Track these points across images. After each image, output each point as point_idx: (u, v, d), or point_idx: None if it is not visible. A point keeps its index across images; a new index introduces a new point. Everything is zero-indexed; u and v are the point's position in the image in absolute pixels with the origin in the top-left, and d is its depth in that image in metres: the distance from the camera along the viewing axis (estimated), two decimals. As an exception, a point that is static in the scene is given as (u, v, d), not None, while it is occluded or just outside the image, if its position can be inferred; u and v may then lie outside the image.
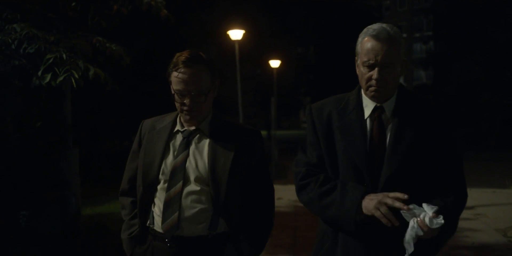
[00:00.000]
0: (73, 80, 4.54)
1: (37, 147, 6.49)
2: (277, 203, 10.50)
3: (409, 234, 2.29)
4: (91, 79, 4.72)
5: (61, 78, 4.56)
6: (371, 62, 2.44)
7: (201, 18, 17.40)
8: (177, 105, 2.57)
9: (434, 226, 2.26)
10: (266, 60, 25.87)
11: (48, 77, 4.63)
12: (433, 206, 2.29)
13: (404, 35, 60.53)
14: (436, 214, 2.26)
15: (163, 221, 2.54)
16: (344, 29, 36.90)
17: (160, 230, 2.57)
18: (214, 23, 18.35)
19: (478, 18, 32.91)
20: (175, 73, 2.52)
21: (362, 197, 2.43)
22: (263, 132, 41.28)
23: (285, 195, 11.11)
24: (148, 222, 2.64)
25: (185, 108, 2.54)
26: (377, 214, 2.35)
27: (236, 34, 15.98)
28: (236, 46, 15.86)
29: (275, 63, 24.93)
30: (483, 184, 11.53)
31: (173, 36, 13.65)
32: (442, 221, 2.25)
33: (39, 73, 4.66)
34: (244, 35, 16.36)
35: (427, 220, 2.26)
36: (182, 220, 2.53)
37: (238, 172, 2.58)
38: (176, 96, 2.55)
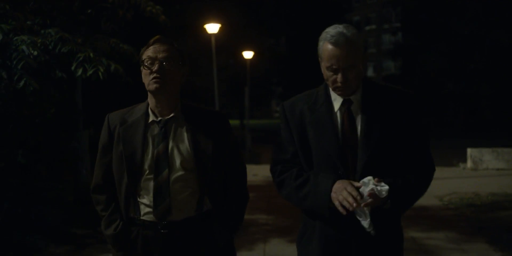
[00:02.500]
0: (99, 73, 5.85)
1: (53, 129, 7.78)
2: (253, 178, 12.17)
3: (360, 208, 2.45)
4: (112, 72, 6.03)
5: (90, 72, 5.80)
6: (334, 67, 2.53)
7: (177, 10, 17.82)
8: (146, 79, 2.62)
9: (380, 192, 2.42)
10: (239, 51, 26.18)
11: (80, 71, 5.87)
12: (369, 178, 2.45)
13: (374, 26, 60.99)
14: (378, 179, 2.44)
15: (154, 209, 2.59)
16: (314, 21, 37.43)
17: (150, 219, 2.61)
18: (190, 15, 18.61)
19: (442, 11, 33.78)
20: (147, 50, 2.63)
21: (332, 185, 2.52)
22: (236, 121, 41.98)
23: (259, 172, 13.41)
24: (133, 214, 2.66)
25: (152, 76, 2.57)
26: (336, 203, 2.47)
27: (212, 27, 16.57)
28: (213, 39, 16.47)
29: (248, 55, 25.26)
30: (436, 163, 13.41)
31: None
32: (386, 186, 2.42)
33: (72, 68, 5.93)
34: (220, 28, 16.87)
35: (371, 187, 2.43)
36: (172, 205, 2.59)
37: (219, 153, 2.66)
38: (144, 69, 2.62)
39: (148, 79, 2.58)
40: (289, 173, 2.68)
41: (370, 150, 2.54)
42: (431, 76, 35.45)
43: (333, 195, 2.49)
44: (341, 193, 2.45)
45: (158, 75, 2.55)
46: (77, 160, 8.00)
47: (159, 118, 2.65)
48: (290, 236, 6.75)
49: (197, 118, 2.69)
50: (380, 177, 2.47)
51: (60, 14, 6.62)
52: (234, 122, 39.17)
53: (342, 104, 2.63)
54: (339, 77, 2.53)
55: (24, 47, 5.65)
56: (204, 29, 17.07)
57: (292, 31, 41.86)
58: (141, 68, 2.61)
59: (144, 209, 2.62)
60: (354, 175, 2.54)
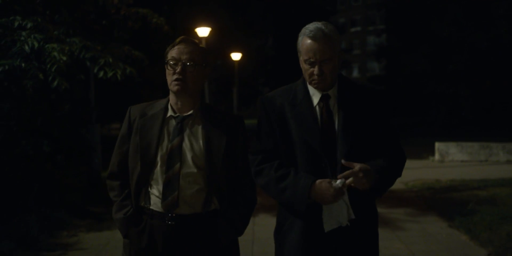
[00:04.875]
0: (118, 75, 7.09)
1: (70, 123, 9.00)
2: None
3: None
4: (127, 74, 7.26)
5: (110, 74, 7.04)
6: (311, 60, 2.65)
7: (165, 11, 18.14)
8: (169, 79, 2.71)
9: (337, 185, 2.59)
10: (227, 52, 26.99)
11: (101, 73, 7.13)
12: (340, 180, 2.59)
13: (358, 28, 61.55)
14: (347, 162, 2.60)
15: (163, 200, 2.66)
16: (300, 23, 37.69)
17: (158, 209, 2.69)
18: (180, 18, 19.00)
19: (424, 14, 34.57)
20: (172, 49, 2.72)
21: (313, 183, 2.62)
22: None
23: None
24: (143, 203, 2.74)
25: (175, 77, 2.66)
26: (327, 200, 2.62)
27: (203, 31, 17.54)
28: (203, 42, 16.80)
29: (236, 56, 26.16)
30: (408, 157, 14.94)
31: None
32: (339, 184, 2.58)
33: (95, 70, 7.20)
34: (210, 31, 17.72)
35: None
36: (180, 199, 2.66)
37: (230, 154, 2.73)
38: (168, 67, 2.71)
39: (170, 79, 2.69)
40: (270, 164, 2.76)
41: (349, 142, 2.67)
42: (413, 76, 36.21)
43: (315, 193, 2.62)
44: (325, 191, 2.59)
45: (180, 77, 2.66)
46: (90, 150, 9.24)
47: (177, 114, 2.75)
48: (274, 211, 8.02)
49: (214, 118, 2.76)
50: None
51: (79, 25, 7.86)
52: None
53: (321, 99, 2.75)
54: (315, 69, 2.66)
55: (55, 53, 6.85)
56: (194, 32, 17.81)
57: (279, 32, 42.07)
58: (165, 66, 2.73)
59: (154, 199, 2.70)
60: (336, 166, 2.66)
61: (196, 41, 2.77)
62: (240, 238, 2.88)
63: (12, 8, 7.52)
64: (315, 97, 2.78)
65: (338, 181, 2.57)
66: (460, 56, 33.42)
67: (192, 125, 2.73)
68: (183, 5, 19.94)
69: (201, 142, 2.70)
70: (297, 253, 2.75)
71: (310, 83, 2.75)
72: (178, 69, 2.66)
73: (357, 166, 2.56)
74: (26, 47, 6.74)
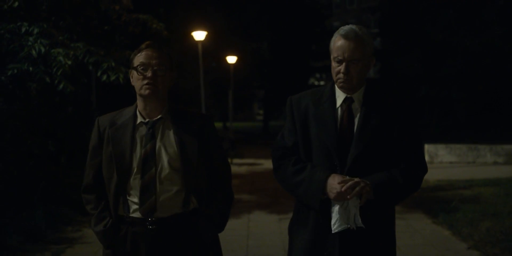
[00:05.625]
0: (120, 79, 7.47)
1: (73, 124, 9.39)
2: (239, 168, 13.89)
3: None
4: (129, 78, 7.62)
5: (113, 78, 7.41)
6: (339, 58, 2.70)
7: (160, 14, 18.12)
8: (138, 83, 2.72)
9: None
10: (223, 56, 27.08)
11: (105, 77, 7.50)
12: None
13: None
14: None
15: (140, 206, 2.68)
16: (295, 26, 37.81)
17: (138, 216, 2.70)
18: (176, 21, 19.09)
19: (418, 18, 34.87)
20: (139, 54, 2.74)
21: (327, 178, 2.67)
22: (219, 124, 42.49)
23: (244, 164, 15.93)
24: (123, 212, 2.74)
25: (145, 81, 2.68)
26: (332, 196, 2.66)
27: (199, 35, 17.53)
28: (200, 46, 17.43)
29: (231, 59, 26.17)
30: None
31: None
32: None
33: (98, 74, 7.57)
34: (206, 35, 17.72)
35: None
36: (158, 203, 2.68)
37: (204, 153, 2.78)
38: (136, 74, 2.72)
39: (140, 84, 2.71)
40: (288, 159, 2.85)
41: (361, 145, 2.69)
42: (407, 80, 36.45)
43: (328, 189, 2.67)
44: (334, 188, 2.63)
45: (151, 81, 2.68)
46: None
47: (147, 120, 2.76)
48: (268, 209, 8.47)
49: (183, 119, 2.79)
50: (367, 173, 2.67)
51: (82, 30, 8.25)
52: (217, 124, 39.28)
53: (344, 101, 2.79)
54: (342, 67, 2.70)
55: (61, 58, 7.20)
56: (190, 35, 17.99)
57: (274, 36, 42.19)
58: (132, 71, 2.76)
59: (132, 207, 2.72)
60: (345, 167, 2.71)
61: (162, 46, 2.82)
62: (235, 233, 3.08)
63: (18, 14, 7.88)
64: (339, 99, 2.82)
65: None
66: (453, 60, 33.64)
67: (163, 129, 2.77)
68: (179, 10, 20.25)
69: (174, 144, 2.73)
70: (305, 252, 2.79)
71: (336, 82, 2.80)
72: (149, 74, 2.68)
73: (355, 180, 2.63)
74: (33, 52, 7.09)
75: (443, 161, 15.41)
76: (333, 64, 2.75)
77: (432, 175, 12.39)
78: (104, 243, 2.78)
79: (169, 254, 2.73)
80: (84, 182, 2.87)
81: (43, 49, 7.17)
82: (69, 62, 7.22)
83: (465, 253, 6.22)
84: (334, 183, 2.64)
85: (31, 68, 7.08)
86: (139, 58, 2.71)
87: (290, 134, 2.89)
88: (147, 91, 2.68)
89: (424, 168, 2.81)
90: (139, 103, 2.78)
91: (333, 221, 2.68)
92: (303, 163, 2.80)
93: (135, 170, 2.69)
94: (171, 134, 2.74)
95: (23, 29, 7.36)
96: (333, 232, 2.68)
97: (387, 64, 40.61)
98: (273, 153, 2.95)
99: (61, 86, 7.14)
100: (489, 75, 32.28)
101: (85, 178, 2.87)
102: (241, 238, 6.62)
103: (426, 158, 15.31)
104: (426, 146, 15.71)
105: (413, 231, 7.21)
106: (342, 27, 2.75)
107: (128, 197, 2.72)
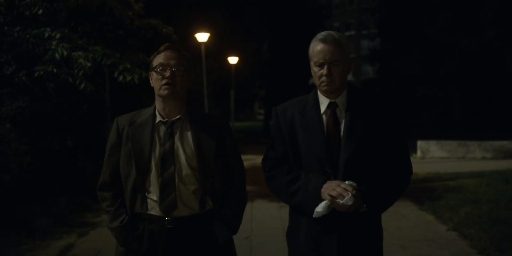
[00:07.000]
0: (135, 79, 8.24)
1: (88, 121, 10.12)
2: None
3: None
4: (143, 79, 8.39)
5: (129, 78, 8.18)
6: (320, 61, 2.70)
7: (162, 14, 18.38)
8: (157, 84, 2.74)
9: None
10: (224, 56, 27.56)
11: (121, 78, 8.29)
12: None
13: (353, 32, 61.70)
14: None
15: (160, 203, 2.69)
16: (296, 27, 38.11)
17: (156, 214, 2.71)
18: (179, 22, 18.86)
19: (416, 19, 35.12)
20: (158, 56, 2.76)
21: (322, 184, 2.68)
22: None
23: (246, 159, 15.83)
24: (140, 209, 2.74)
25: (164, 81, 2.69)
26: (328, 198, 2.65)
27: (202, 36, 18.19)
28: (203, 47, 18.05)
29: (233, 60, 26.79)
30: None
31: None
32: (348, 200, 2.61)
33: (115, 75, 8.34)
34: (209, 36, 18.29)
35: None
36: (178, 200, 2.69)
37: (220, 154, 2.79)
38: (155, 74, 2.74)
39: (159, 84, 2.73)
40: (281, 169, 2.84)
41: (351, 149, 2.68)
42: (405, 80, 36.74)
43: (323, 190, 2.67)
44: (335, 188, 2.63)
45: (170, 81, 2.70)
46: (105, 146, 10.32)
47: (166, 119, 2.78)
48: (269, 198, 9.25)
49: (201, 121, 2.81)
50: (360, 176, 2.68)
51: (99, 35, 9.02)
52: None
53: (328, 107, 2.79)
54: (324, 70, 2.70)
55: (81, 60, 7.97)
56: (193, 36, 18.47)
57: (275, 37, 42.19)
58: (152, 72, 2.78)
59: (151, 204, 2.72)
60: (338, 173, 2.71)
61: (180, 48, 2.84)
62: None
63: (40, 20, 8.60)
64: (323, 105, 2.81)
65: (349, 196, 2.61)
66: (451, 60, 33.96)
67: (182, 129, 2.78)
68: (182, 13, 20.54)
69: (192, 144, 2.74)
70: (302, 252, 2.82)
71: (319, 87, 2.79)
72: (168, 74, 2.70)
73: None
74: (57, 55, 7.86)
75: (435, 156, 16.21)
76: (314, 69, 2.77)
77: (422, 169, 13.24)
78: (119, 239, 2.76)
79: (184, 254, 2.74)
80: (100, 180, 2.87)
81: (65, 53, 7.91)
82: (89, 64, 7.96)
83: (445, 234, 6.96)
84: (328, 185, 2.68)
85: (55, 70, 7.84)
86: (158, 59, 2.74)
87: (278, 144, 2.90)
88: (166, 92, 2.70)
89: (410, 170, 2.86)
90: (158, 103, 2.80)
91: (317, 209, 2.69)
92: (297, 172, 2.81)
93: (153, 168, 2.71)
94: (189, 135, 2.76)
95: (46, 34, 8.10)
96: (314, 216, 2.70)
97: (386, 64, 40.78)
98: (263, 164, 2.96)
99: (82, 85, 7.90)
100: (486, 75, 32.68)
101: (101, 176, 2.87)
102: (245, 222, 7.36)
103: (419, 153, 16.42)
104: (419, 142, 16.46)
105: (400, 216, 7.98)
106: (319, 33, 2.79)
107: (146, 194, 2.73)
